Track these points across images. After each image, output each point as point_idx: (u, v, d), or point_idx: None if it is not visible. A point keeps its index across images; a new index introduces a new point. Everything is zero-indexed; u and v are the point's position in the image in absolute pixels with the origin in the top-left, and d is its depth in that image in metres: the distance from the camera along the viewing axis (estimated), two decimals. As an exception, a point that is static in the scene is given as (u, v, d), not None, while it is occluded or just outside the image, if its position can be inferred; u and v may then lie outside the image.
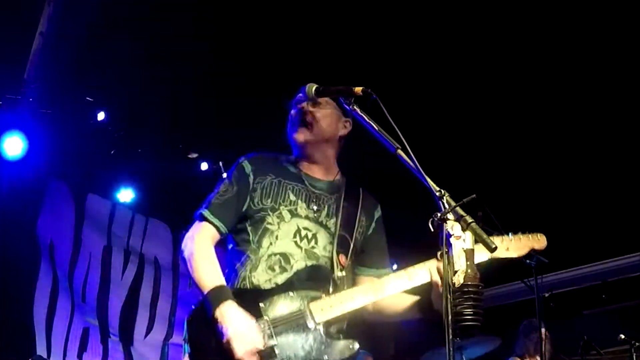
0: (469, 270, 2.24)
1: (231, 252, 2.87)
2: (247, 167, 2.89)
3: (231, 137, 6.28)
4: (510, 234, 2.80)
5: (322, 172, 2.94)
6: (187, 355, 2.65)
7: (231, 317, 2.53)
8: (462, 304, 2.23)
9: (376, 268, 2.92)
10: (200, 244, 2.74)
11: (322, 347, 2.61)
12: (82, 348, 6.17)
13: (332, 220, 2.85)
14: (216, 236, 2.79)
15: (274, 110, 3.30)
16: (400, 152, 2.36)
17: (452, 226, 2.18)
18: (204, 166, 6.72)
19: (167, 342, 6.81)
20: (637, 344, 5.54)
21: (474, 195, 2.18)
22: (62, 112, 5.86)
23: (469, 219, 2.14)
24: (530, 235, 2.79)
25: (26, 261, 5.90)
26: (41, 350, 5.76)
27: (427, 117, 5.80)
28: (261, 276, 2.72)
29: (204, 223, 2.79)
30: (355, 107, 2.51)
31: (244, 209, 2.82)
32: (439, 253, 2.37)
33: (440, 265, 2.43)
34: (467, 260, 2.24)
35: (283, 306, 2.64)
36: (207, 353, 2.60)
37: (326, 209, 2.86)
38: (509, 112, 5.95)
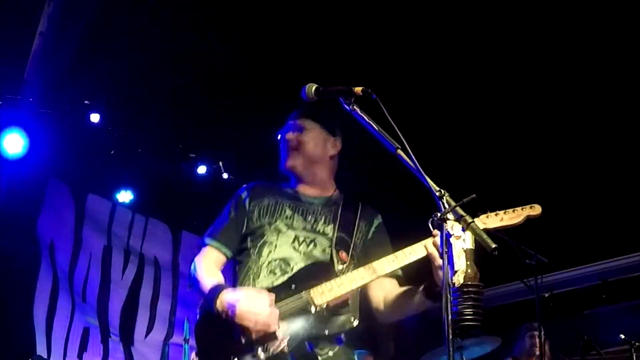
0: (469, 270, 2.24)
1: (234, 270, 2.98)
2: (244, 194, 3.02)
3: (231, 138, 6.29)
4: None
5: (318, 190, 3.04)
6: (194, 354, 2.72)
7: (232, 296, 2.63)
8: (462, 304, 2.23)
9: None
10: (203, 263, 2.90)
11: (322, 324, 2.67)
12: (83, 348, 6.17)
13: (330, 227, 2.92)
14: (220, 258, 2.94)
15: (275, 111, 3.31)
16: (400, 152, 2.36)
17: (452, 226, 2.19)
18: (202, 169, 6.71)
19: (168, 342, 6.81)
20: (637, 344, 5.53)
21: (474, 195, 2.18)
22: (62, 112, 5.86)
23: (469, 219, 2.14)
24: (524, 207, 2.73)
25: (26, 261, 5.90)
26: (41, 350, 5.76)
27: (427, 117, 5.80)
28: (263, 281, 2.81)
29: (207, 247, 2.96)
30: (355, 107, 2.52)
31: (243, 230, 2.95)
32: (429, 222, 2.41)
33: (435, 239, 2.52)
34: (467, 260, 2.24)
35: (284, 296, 2.69)
36: (216, 349, 2.67)
37: (323, 219, 2.95)
38: (509, 112, 5.95)
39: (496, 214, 2.67)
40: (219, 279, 2.82)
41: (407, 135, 2.35)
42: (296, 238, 2.86)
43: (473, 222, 2.14)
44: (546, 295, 5.63)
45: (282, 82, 4.28)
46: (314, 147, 2.99)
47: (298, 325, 2.64)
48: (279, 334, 2.60)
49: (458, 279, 2.23)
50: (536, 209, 2.68)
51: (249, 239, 2.93)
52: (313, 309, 2.65)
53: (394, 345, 7.84)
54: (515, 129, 6.09)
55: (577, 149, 6.24)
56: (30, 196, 6.02)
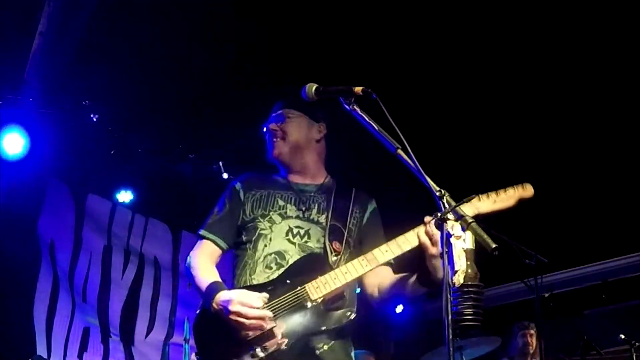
0: (469, 270, 2.23)
1: (231, 263, 3.00)
2: (237, 186, 3.05)
3: (231, 138, 6.29)
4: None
5: (309, 177, 3.06)
6: (193, 355, 2.74)
7: (226, 296, 2.64)
8: (462, 303, 2.23)
9: None
10: (199, 257, 2.93)
11: (320, 319, 2.68)
12: (83, 348, 6.17)
13: (324, 215, 2.93)
14: (216, 251, 2.96)
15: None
16: (400, 152, 2.36)
17: (452, 226, 2.18)
18: (202, 169, 6.71)
19: (168, 342, 6.81)
20: (637, 344, 5.54)
21: (474, 195, 2.18)
22: (62, 112, 5.86)
23: (469, 219, 2.14)
24: (515, 187, 2.71)
25: (26, 261, 5.90)
26: (41, 350, 5.76)
27: (427, 117, 5.80)
28: (260, 276, 2.83)
29: (203, 241, 2.99)
30: (355, 106, 2.52)
31: (238, 222, 2.97)
32: (425, 218, 2.46)
33: (427, 227, 2.51)
34: (467, 260, 2.24)
35: (280, 292, 2.71)
36: (215, 349, 2.69)
37: (316, 207, 2.96)
38: (509, 112, 5.94)
39: (488, 196, 2.64)
40: (215, 276, 2.82)
41: (407, 135, 2.35)
42: (290, 230, 2.88)
43: (473, 222, 2.14)
44: (546, 295, 5.64)
45: (282, 82, 4.28)
46: (298, 133, 3.03)
47: (295, 322, 2.65)
48: (277, 333, 2.60)
49: (458, 279, 2.22)
50: (528, 189, 2.67)
51: (243, 232, 2.95)
52: (309, 304, 2.66)
53: (394, 345, 7.84)
54: (515, 129, 6.09)
55: (577, 149, 6.24)
56: (30, 196, 6.02)
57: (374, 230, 3.00)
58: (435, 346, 5.34)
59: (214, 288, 2.72)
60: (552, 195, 6.43)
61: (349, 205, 2.97)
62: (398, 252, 2.69)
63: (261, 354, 2.59)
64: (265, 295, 2.66)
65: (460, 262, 2.23)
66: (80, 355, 6.14)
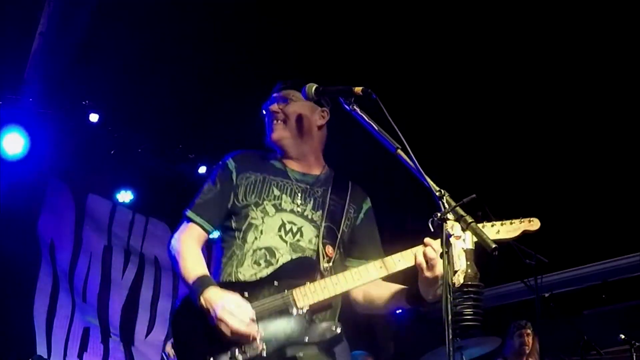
0: (469, 270, 2.24)
1: (217, 249, 2.86)
2: (231, 164, 2.90)
3: (231, 138, 6.28)
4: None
5: (307, 166, 2.93)
6: (169, 344, 2.64)
7: (216, 298, 2.54)
8: (462, 304, 2.23)
9: (366, 259, 2.79)
10: (185, 243, 2.77)
11: (304, 329, 2.59)
12: (83, 348, 6.18)
13: (318, 213, 2.83)
14: (202, 235, 2.82)
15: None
16: (400, 152, 2.35)
17: (452, 226, 2.18)
18: (202, 169, 6.70)
19: (168, 341, 6.81)
20: (637, 344, 5.53)
21: (474, 195, 2.18)
22: (62, 112, 5.87)
23: (469, 219, 2.14)
24: (522, 219, 2.65)
25: (26, 261, 5.91)
26: (41, 350, 5.77)
27: (427, 117, 5.80)
28: (247, 271, 2.72)
29: (190, 224, 2.82)
30: (355, 107, 2.50)
31: (229, 205, 2.82)
32: (425, 240, 2.43)
33: (426, 249, 2.47)
34: (467, 260, 2.24)
35: (266, 295, 2.62)
36: (194, 345, 2.60)
37: (312, 202, 2.85)
38: (509, 112, 5.95)
39: (492, 225, 2.60)
40: (203, 267, 2.69)
41: (407, 135, 2.35)
42: (283, 225, 2.77)
43: (473, 222, 2.13)
44: (546, 295, 5.63)
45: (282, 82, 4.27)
46: (301, 118, 2.88)
47: (278, 328, 2.57)
48: (258, 337, 2.52)
49: (458, 279, 2.22)
50: (534, 224, 2.61)
51: (233, 217, 2.81)
52: (295, 311, 2.58)
53: (394, 345, 7.85)
54: (515, 128, 6.09)
55: (577, 149, 6.25)
56: (30, 196, 6.03)
57: (367, 232, 2.93)
58: (435, 346, 5.33)
59: (203, 282, 2.60)
60: (552, 196, 6.45)
61: (344, 205, 2.88)
62: (392, 269, 2.63)
63: (240, 357, 2.52)
64: (253, 311, 2.55)
65: (460, 262, 2.23)
66: (80, 355, 6.14)
